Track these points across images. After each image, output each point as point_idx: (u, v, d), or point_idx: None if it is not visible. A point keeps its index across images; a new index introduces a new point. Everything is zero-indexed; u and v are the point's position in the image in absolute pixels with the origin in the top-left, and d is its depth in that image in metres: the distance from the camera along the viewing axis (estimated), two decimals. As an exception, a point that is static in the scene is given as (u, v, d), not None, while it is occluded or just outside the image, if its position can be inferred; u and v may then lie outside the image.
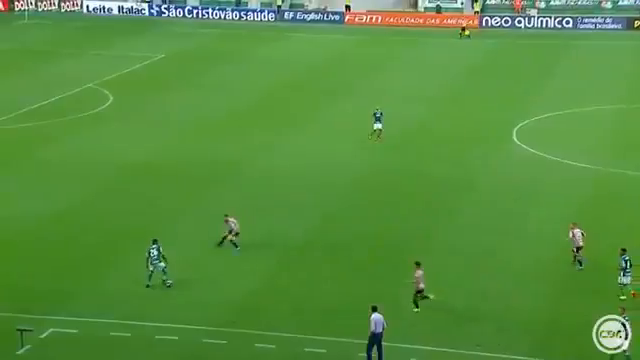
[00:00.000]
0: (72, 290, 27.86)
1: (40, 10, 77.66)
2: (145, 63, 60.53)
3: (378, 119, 42.53)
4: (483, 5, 78.11)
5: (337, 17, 78.12)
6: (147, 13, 79.10)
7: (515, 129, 44.82)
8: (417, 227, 33.07)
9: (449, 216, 33.92)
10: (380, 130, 42.38)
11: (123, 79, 55.94)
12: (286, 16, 78.79)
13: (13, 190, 36.30)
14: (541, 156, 40.79)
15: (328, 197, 36.21)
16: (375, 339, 24.01)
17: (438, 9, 78.43)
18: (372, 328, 23.95)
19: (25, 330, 24.34)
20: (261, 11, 79.35)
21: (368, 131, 42.58)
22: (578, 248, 29.02)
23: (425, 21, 76.51)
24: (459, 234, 32.26)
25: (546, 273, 29.30)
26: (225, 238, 30.79)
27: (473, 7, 77.76)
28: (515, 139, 43.42)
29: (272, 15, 78.81)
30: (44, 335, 25.04)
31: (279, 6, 79.63)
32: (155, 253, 27.95)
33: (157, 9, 79.38)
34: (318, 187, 37.18)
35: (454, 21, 75.02)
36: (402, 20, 76.60)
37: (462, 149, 42.08)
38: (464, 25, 71.56)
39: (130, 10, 79.29)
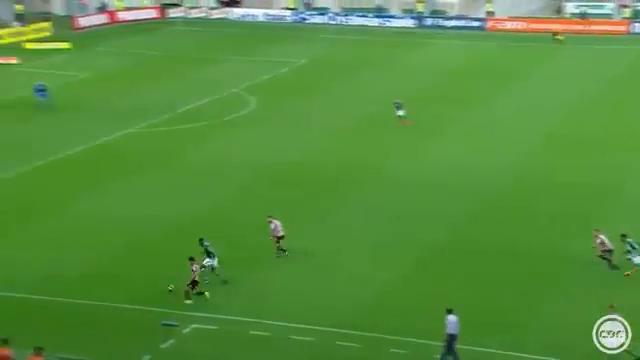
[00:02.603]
0: (215, 289, 28.33)
1: (191, 17, 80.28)
2: (287, 69, 61.46)
3: (399, 107, 45.96)
4: (634, 12, 74.98)
5: (478, 23, 76.95)
6: (290, 20, 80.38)
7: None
8: (555, 236, 32.05)
9: (586, 224, 32.57)
10: (402, 117, 45.76)
11: (266, 84, 56.97)
12: (427, 22, 78.26)
13: (162, 189, 37.47)
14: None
15: (467, 202, 35.69)
16: (450, 340, 23.90)
17: (583, 15, 75.93)
18: (447, 330, 23.86)
19: (170, 325, 25.06)
20: (402, 17, 79.12)
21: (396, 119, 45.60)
22: (609, 251, 28.88)
23: (570, 27, 74.24)
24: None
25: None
26: (278, 245, 29.94)
27: (621, 13, 74.87)
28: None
29: (413, 21, 78.45)
30: (186, 331, 25.67)
31: (420, 12, 79.17)
32: (212, 250, 27.89)
33: (300, 16, 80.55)
34: (457, 192, 36.71)
35: (600, 27, 72.56)
36: (546, 26, 74.56)
37: (606, 155, 40.61)
38: (556, 30, 70.29)
39: (274, 17, 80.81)
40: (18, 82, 54.89)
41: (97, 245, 31.30)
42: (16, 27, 69.74)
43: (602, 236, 29.03)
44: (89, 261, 30.05)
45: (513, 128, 46.56)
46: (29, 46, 66.11)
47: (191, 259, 27.46)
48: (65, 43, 66.64)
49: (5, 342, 22.20)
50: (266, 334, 25.60)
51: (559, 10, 78.71)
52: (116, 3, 78.89)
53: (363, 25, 78.20)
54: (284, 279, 29.18)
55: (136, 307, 26.96)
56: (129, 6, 79.15)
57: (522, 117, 48.95)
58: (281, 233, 30.15)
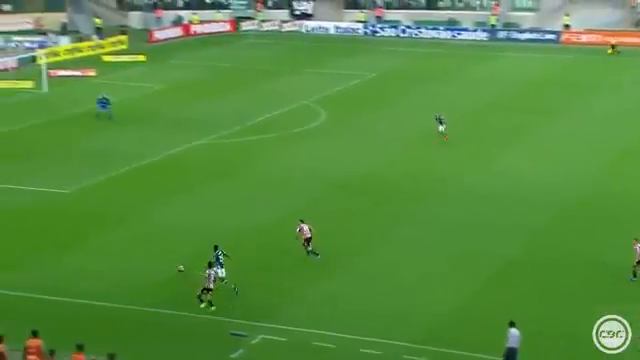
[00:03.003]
0: (283, 300, 28.53)
1: (263, 30, 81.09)
2: (357, 81, 61.51)
3: (440, 122, 45.07)
4: None
5: (553, 36, 75.80)
6: (362, 33, 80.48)
7: None
8: (630, 250, 31.27)
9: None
10: (442, 133, 44.92)
11: (336, 97, 57.11)
12: (499, 35, 77.45)
13: (232, 200, 37.83)
14: None
15: (536, 215, 35.21)
16: (510, 354, 23.50)
17: (662, 27, 74.27)
18: (508, 343, 23.50)
19: (239, 335, 25.21)
20: (474, 30, 78.48)
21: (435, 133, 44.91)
22: None
23: (649, 40, 72.64)
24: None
25: None
26: (307, 248, 30.67)
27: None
28: None
29: (485, 34, 77.73)
30: (255, 341, 25.79)
31: (493, 25, 78.42)
32: (221, 259, 28.20)
33: (371, 29, 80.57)
34: (527, 206, 36.20)
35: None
36: (623, 39, 72.93)
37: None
38: (613, 43, 69.33)
39: (346, 30, 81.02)
40: (95, 93, 56.18)
41: (167, 254, 31.69)
42: (95, 40, 71.49)
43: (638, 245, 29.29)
44: (159, 270, 30.46)
45: (586, 141, 45.77)
46: (106, 59, 67.66)
47: (209, 264, 27.66)
48: (141, 56, 68.00)
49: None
50: (334, 346, 25.55)
51: (638, 23, 76.96)
52: (191, 17, 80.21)
53: (434, 38, 77.81)
54: (352, 290, 29.12)
55: (205, 316, 27.20)
56: (203, 19, 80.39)
57: (596, 130, 48.06)
58: (309, 235, 30.95)
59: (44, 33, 70.73)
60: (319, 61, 68.95)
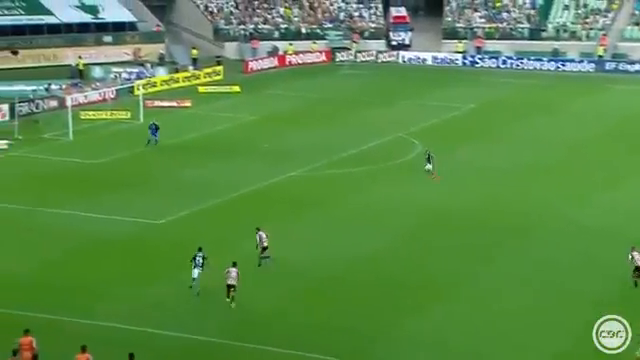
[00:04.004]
0: (373, 333, 28.92)
1: (358, 61, 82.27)
2: (455, 113, 61.72)
3: (429, 159, 45.04)
4: None
5: (666, 67, 74.45)
6: (460, 63, 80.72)
7: None
8: None
9: None
10: (430, 171, 44.91)
11: (432, 128, 57.44)
12: (607, 66, 76.47)
13: (323, 233, 38.56)
14: None
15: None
16: None
17: None
18: None
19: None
20: (580, 61, 77.71)
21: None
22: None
23: None
24: None
25: None
26: (260, 255, 33.54)
27: None
28: None
29: (592, 66, 76.88)
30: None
31: (600, 56, 77.50)
32: (200, 261, 31.44)
33: (470, 59, 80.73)
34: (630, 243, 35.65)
35: None
36: None
37: None
38: None
39: (444, 60, 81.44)
40: (191, 124, 58.15)
41: (264, 288, 32.45)
42: (191, 71, 74.05)
43: (635, 253, 31.43)
44: (258, 303, 31.23)
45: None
46: (202, 90, 69.93)
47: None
48: (235, 86, 69.98)
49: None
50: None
51: None
52: (287, 47, 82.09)
53: (537, 69, 77.39)
54: (453, 325, 29.31)
55: (294, 352, 27.74)
56: (299, 50, 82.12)
57: None
58: (265, 244, 33.90)
59: (142, 64, 73.70)
60: (416, 92, 69.43)
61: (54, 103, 61.80)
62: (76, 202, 41.79)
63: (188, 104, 64.21)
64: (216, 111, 62.53)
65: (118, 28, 78.24)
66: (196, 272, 31.66)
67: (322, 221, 39.99)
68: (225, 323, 29.80)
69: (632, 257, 31.47)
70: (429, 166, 45.62)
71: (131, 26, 79.34)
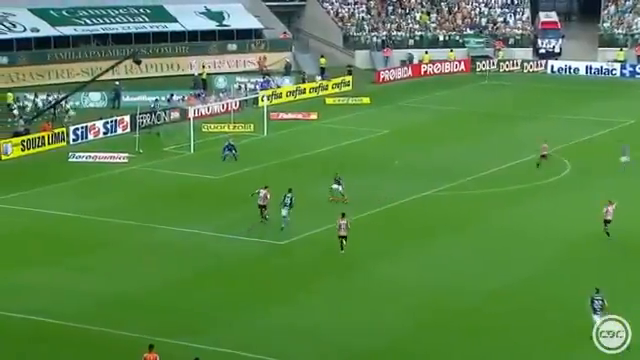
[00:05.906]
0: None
1: (501, 71, 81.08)
2: (611, 129, 59.96)
3: (337, 182, 45.44)
4: None
5: None
6: (618, 74, 78.38)
7: None
8: None
9: None
10: (339, 192, 45.15)
11: (584, 146, 56.00)
12: None
13: (461, 258, 38.05)
14: None
15: None
16: None
17: None
18: None
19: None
20: None
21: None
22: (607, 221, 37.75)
23: None
24: None
25: None
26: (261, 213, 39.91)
27: None
28: None
29: None
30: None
31: None
32: (288, 201, 38.91)
33: (630, 69, 78.26)
34: None
35: None
36: None
37: None
38: None
39: (599, 70, 79.26)
40: (316, 139, 58.54)
41: (385, 314, 32.37)
42: (318, 81, 74.70)
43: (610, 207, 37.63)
44: (369, 337, 31.15)
45: None
46: (329, 101, 70.49)
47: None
48: (365, 98, 70.16)
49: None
50: None
51: None
52: (422, 56, 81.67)
53: None
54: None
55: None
56: (435, 59, 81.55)
57: None
58: (264, 202, 40.37)
59: (267, 74, 74.86)
60: (566, 106, 67.92)
61: (176, 115, 63.54)
62: (196, 219, 42.57)
63: (314, 117, 64.78)
64: (344, 124, 62.87)
65: (243, 36, 79.73)
66: (285, 211, 39.23)
67: (463, 243, 39.52)
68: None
69: (606, 210, 37.12)
70: (340, 187, 44.94)
71: (257, 33, 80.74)
